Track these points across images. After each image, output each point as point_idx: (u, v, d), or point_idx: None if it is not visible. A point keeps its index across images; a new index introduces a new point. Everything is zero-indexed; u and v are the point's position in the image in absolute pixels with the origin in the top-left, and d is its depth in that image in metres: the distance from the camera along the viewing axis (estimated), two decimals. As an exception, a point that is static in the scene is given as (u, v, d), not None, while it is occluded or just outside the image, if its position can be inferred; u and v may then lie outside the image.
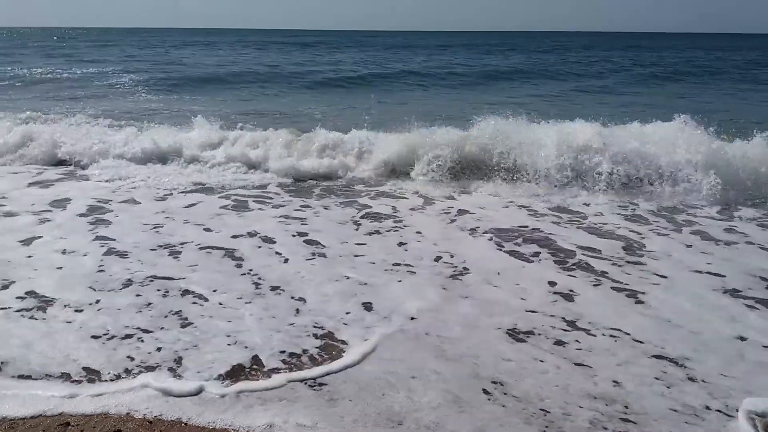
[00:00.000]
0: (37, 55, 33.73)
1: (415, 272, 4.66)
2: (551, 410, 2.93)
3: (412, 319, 3.87)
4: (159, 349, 3.46)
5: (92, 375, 3.19)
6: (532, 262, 5.05)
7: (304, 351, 3.45)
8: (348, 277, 4.55)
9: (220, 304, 4.08)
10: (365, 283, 4.44)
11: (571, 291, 4.39)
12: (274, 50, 43.72)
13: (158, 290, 4.30)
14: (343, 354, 3.42)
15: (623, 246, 5.44)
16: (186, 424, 2.85)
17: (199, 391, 3.03)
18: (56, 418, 2.85)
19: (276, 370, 3.26)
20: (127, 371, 3.22)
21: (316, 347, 3.51)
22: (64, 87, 18.68)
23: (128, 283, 4.41)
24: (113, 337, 3.59)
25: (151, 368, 3.25)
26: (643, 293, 4.37)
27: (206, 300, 4.15)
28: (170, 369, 3.25)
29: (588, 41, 78.45)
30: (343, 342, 3.56)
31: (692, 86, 21.69)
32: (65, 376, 3.17)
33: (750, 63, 32.68)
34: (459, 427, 2.81)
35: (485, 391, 3.07)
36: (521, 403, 2.98)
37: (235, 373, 3.21)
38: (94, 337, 3.60)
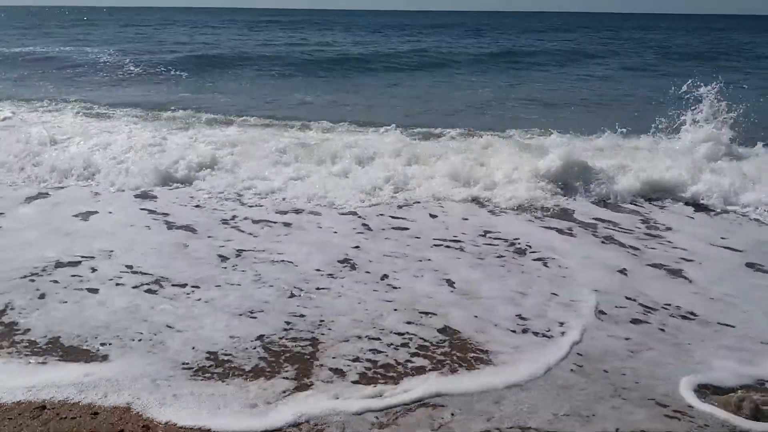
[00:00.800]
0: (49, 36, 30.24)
1: (465, 249, 4.79)
2: (657, 389, 2.99)
3: (490, 299, 3.93)
4: (289, 326, 3.51)
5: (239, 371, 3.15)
6: (575, 236, 5.20)
7: (430, 343, 3.40)
8: (406, 255, 4.61)
9: (322, 289, 4.05)
10: (428, 259, 4.52)
11: (623, 268, 4.47)
12: (266, 29, 41.73)
13: (255, 264, 4.34)
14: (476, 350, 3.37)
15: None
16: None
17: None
18: (33, 402, 2.77)
19: (413, 369, 3.14)
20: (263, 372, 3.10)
21: (438, 330, 3.52)
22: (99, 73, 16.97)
23: (224, 257, 4.42)
24: (243, 314, 3.61)
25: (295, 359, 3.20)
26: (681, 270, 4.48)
27: (302, 272, 4.23)
28: (306, 361, 3.19)
29: (583, 21, 76.84)
30: (456, 331, 3.52)
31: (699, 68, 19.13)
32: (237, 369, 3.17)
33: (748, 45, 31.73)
34: (555, 401, 2.87)
35: (576, 365, 3.15)
36: (617, 382, 3.03)
37: (372, 379, 3.06)
38: (240, 316, 3.58)
